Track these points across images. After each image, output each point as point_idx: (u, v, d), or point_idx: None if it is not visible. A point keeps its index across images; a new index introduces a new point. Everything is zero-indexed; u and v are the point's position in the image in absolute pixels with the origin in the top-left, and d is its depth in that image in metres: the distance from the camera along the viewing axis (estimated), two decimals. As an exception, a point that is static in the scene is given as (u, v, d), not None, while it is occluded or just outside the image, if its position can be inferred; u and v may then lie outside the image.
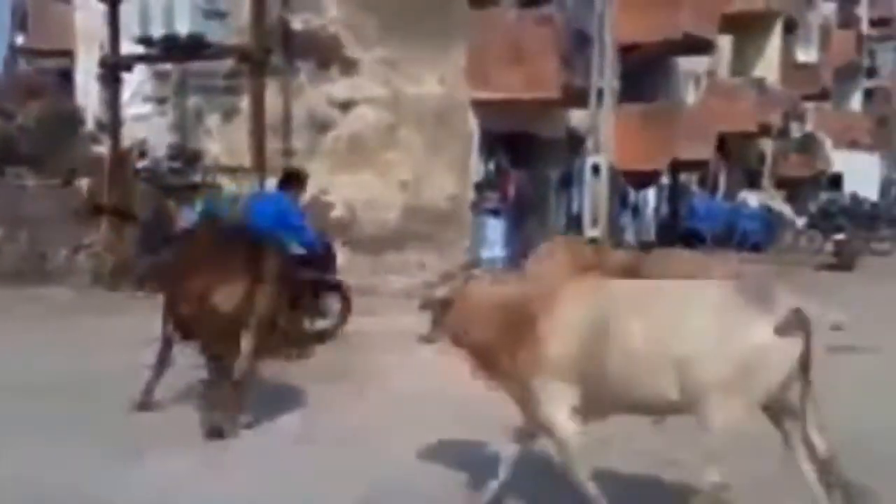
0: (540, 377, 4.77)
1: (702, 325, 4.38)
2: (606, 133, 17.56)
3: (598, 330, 4.58)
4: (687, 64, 28.31)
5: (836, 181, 39.61)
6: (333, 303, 11.02)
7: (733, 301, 4.41)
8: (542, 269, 8.29)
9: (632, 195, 22.57)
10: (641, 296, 4.72)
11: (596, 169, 16.96)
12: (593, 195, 16.78)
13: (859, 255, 21.95)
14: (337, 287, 11.02)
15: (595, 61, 17.20)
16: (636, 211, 22.07)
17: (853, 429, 5.91)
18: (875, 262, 22.82)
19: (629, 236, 21.94)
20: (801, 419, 4.60)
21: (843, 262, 21.09)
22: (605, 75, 17.16)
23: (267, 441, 6.96)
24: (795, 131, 37.86)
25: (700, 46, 26.22)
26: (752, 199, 30.34)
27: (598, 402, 4.74)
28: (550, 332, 4.71)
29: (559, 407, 4.78)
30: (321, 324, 10.77)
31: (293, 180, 10.53)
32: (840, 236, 21.91)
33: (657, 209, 24.81)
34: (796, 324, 4.33)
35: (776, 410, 4.66)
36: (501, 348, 4.91)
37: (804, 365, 4.41)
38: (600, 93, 17.21)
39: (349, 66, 18.30)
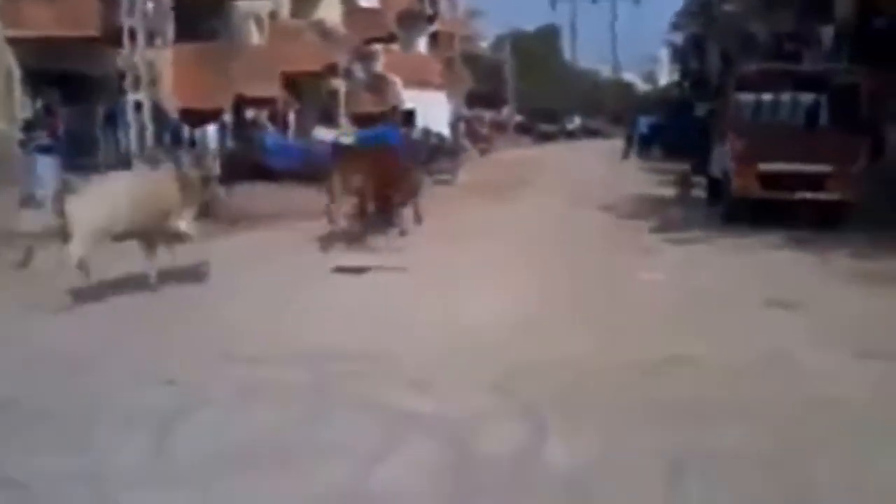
0: None
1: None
2: (161, 71, 17.24)
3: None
4: (247, 6, 28.22)
5: (409, 117, 41.10)
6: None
7: None
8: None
9: (188, 131, 22.20)
10: None
11: (138, 106, 16.54)
12: (138, 131, 16.38)
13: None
14: None
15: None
16: (193, 145, 21.80)
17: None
18: (437, 191, 23.94)
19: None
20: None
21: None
22: (136, 14, 16.70)
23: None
24: (361, 71, 38.90)
25: (256, -14, 26.27)
26: (325, 134, 30.82)
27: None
28: None
29: None
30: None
31: None
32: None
33: (222, 144, 24.64)
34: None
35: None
36: None
37: None
38: (133, 32, 16.75)
39: None
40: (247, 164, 21.21)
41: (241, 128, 26.10)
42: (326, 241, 13.52)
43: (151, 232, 10.11)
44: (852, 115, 17.29)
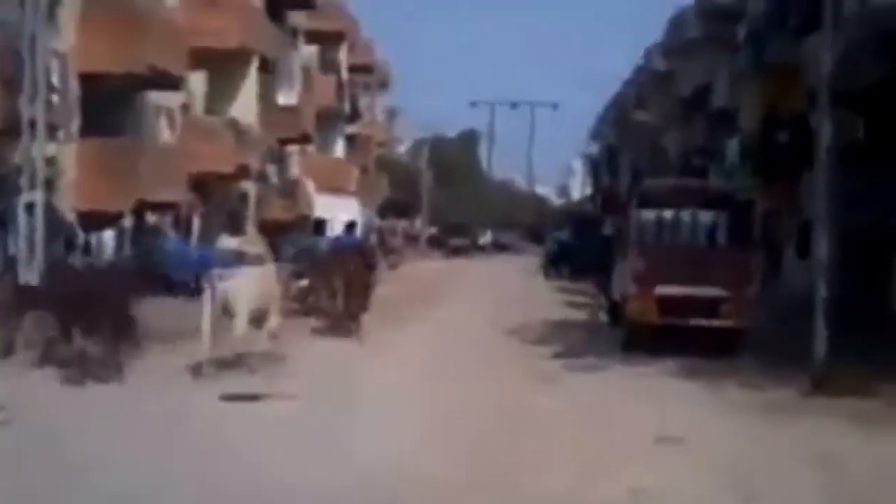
0: None
1: None
2: (62, 168, 16.56)
3: None
4: (159, 99, 27.68)
5: (320, 225, 40.35)
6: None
7: None
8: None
9: (83, 236, 21.35)
10: None
11: (30, 208, 15.72)
12: (29, 236, 15.48)
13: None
14: None
15: (27, 89, 16.08)
16: (88, 253, 20.90)
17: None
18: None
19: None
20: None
21: (306, 308, 21.25)
22: (38, 103, 16.07)
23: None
24: (274, 175, 38.24)
25: (168, 81, 25.75)
26: (230, 242, 30.07)
27: None
28: None
29: None
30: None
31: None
32: (303, 282, 22.19)
33: (118, 251, 23.74)
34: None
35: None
36: None
37: None
38: (33, 123, 16.06)
39: None
40: (144, 275, 20.34)
41: (141, 234, 25.26)
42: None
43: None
44: (747, 234, 17.39)
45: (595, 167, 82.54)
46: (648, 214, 17.72)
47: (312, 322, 17.95)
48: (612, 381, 13.28)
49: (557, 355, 15.60)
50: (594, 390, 12.52)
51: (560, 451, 9.06)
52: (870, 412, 10.99)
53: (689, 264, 16.46)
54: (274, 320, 13.60)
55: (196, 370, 12.18)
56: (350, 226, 21.36)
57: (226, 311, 12.74)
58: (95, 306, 12.90)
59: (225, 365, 12.69)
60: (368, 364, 13.93)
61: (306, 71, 42.94)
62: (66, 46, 22.21)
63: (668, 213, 17.90)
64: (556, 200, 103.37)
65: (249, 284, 13.08)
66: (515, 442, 9.42)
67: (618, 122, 71.39)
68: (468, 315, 21.86)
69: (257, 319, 13.24)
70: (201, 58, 28.66)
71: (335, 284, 17.76)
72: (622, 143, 68.92)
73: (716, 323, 15.85)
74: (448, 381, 12.73)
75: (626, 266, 17.30)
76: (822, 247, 13.45)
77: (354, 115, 52.48)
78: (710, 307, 15.85)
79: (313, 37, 44.34)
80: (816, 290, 13.16)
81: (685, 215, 17.92)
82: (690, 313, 15.83)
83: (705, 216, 17.94)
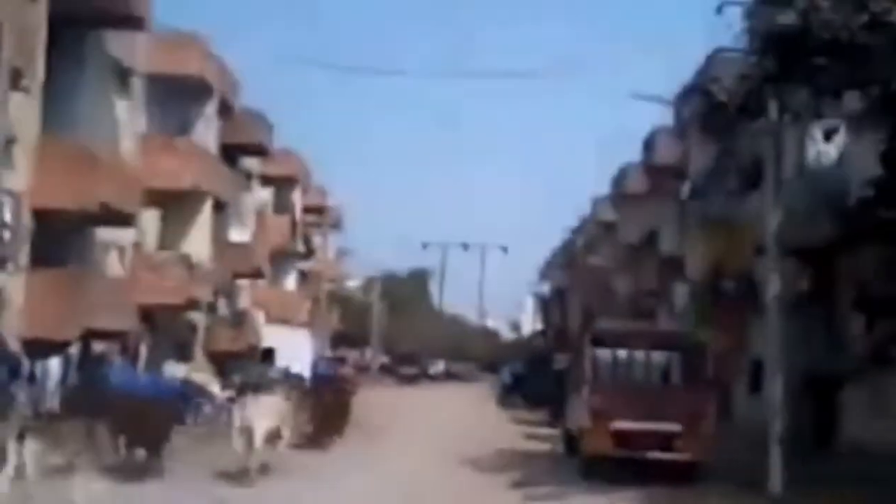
0: None
1: None
2: (10, 298, 16.71)
3: None
4: (111, 234, 28.22)
5: (268, 354, 40.74)
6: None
7: None
8: None
9: (28, 365, 21.45)
10: None
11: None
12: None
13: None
14: None
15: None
16: (33, 381, 21.06)
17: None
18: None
19: (26, 409, 20.83)
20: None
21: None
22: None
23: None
24: (224, 307, 38.75)
25: (120, 218, 26.31)
26: (177, 370, 30.38)
27: None
28: None
29: None
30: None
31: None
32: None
33: (64, 379, 23.93)
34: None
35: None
36: None
37: None
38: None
39: None
40: (90, 403, 20.49)
41: (88, 361, 25.45)
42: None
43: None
44: (701, 373, 17.99)
45: (545, 305, 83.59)
46: (603, 353, 18.40)
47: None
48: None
49: (516, 485, 15.88)
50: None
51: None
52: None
53: (644, 401, 17.04)
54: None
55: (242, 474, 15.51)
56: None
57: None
58: None
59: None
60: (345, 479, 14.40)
61: (261, 211, 44.65)
62: (20, 184, 22.70)
63: (622, 353, 18.57)
64: (507, 334, 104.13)
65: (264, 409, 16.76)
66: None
67: (567, 264, 72.91)
68: (423, 444, 22.15)
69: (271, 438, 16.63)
70: (156, 197, 29.50)
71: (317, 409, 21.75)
72: (572, 284, 70.19)
73: (673, 456, 16.31)
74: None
75: (580, 400, 17.85)
76: (776, 386, 14.13)
77: (308, 253, 53.91)
78: (665, 440, 16.35)
79: (268, 180, 46.62)
80: (771, 426, 13.72)
81: (639, 355, 18.57)
82: (647, 446, 16.31)
83: (660, 356, 18.63)
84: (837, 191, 19.92)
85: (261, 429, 16.11)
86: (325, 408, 22.26)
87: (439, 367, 76.74)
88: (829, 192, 20.48)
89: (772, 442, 13.60)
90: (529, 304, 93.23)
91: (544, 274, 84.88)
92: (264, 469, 16.09)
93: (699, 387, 17.62)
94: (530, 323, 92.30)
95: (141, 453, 16.24)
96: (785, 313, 15.15)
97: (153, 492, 13.94)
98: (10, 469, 13.27)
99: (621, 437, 16.55)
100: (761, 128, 16.73)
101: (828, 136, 19.91)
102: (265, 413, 16.69)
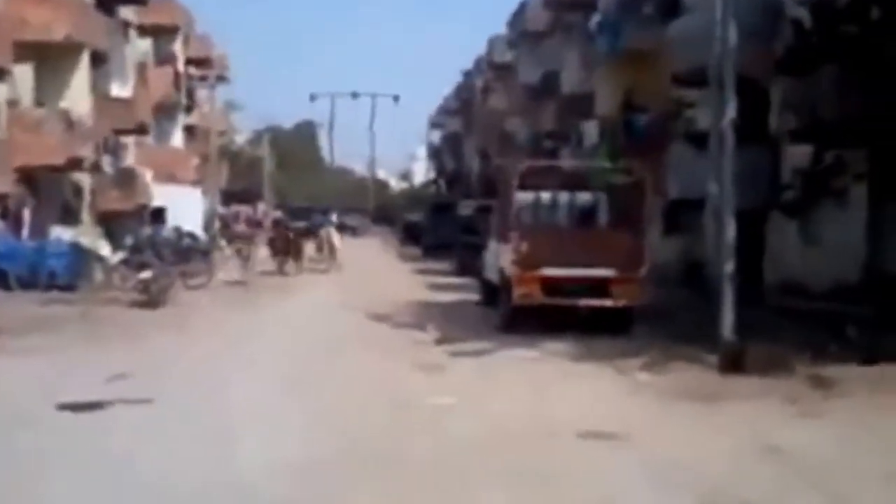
0: None
1: None
2: None
3: None
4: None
5: (158, 214, 38.83)
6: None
7: None
8: None
9: None
10: None
11: None
12: None
13: (167, 291, 20.93)
14: None
15: None
16: None
17: None
18: (188, 296, 22.02)
19: None
20: None
21: (150, 299, 20.01)
22: None
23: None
24: (109, 165, 36.43)
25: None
26: (64, 234, 28.22)
27: None
28: None
29: None
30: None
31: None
32: (146, 273, 20.73)
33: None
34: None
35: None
36: None
37: None
38: None
39: None
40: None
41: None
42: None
43: None
44: (634, 214, 16.61)
45: (438, 153, 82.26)
46: (528, 196, 16.89)
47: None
48: (504, 365, 12.40)
49: (440, 341, 14.53)
50: (489, 377, 11.55)
51: (477, 456, 7.98)
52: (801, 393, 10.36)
53: (576, 246, 15.76)
54: None
55: None
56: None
57: None
58: None
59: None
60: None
61: (141, 63, 41.87)
62: None
63: (549, 196, 17.14)
64: (398, 185, 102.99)
65: None
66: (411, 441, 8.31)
67: (462, 109, 71.18)
68: (332, 296, 21.04)
69: None
70: (28, 50, 27.57)
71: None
72: (467, 128, 68.67)
73: (606, 302, 15.12)
74: (321, 375, 11.62)
75: (504, 247, 16.38)
76: (731, 229, 12.90)
77: (192, 107, 51.59)
78: (598, 287, 15.12)
79: (147, 30, 43.74)
80: (724, 268, 12.55)
81: (568, 197, 17.20)
82: (578, 293, 15.08)
83: (590, 197, 17.28)
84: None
85: None
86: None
87: (333, 219, 75.37)
88: (783, 7, 19.06)
89: (725, 284, 12.38)
90: (422, 153, 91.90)
91: (437, 122, 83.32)
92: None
93: (633, 229, 16.20)
94: (423, 173, 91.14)
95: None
96: (721, 147, 13.70)
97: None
98: None
99: (551, 285, 15.25)
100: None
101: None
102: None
